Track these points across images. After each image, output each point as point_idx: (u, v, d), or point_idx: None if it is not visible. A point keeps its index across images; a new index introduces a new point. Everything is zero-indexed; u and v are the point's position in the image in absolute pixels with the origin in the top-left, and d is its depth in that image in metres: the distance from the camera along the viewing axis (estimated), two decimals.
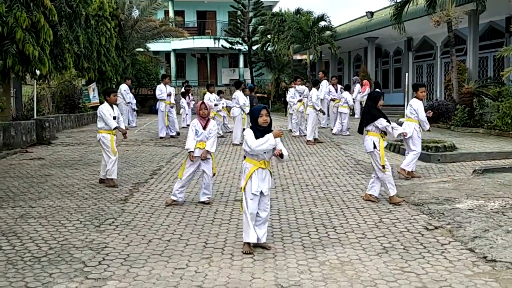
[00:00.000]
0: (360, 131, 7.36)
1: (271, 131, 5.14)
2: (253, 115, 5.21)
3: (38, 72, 12.93)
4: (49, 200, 7.27)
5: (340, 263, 4.74)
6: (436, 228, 5.81)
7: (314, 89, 13.65)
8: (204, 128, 7.03)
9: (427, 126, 8.92)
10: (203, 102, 7.17)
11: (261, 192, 5.20)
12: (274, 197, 7.46)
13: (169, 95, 15.29)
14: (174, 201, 6.97)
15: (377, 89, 21.30)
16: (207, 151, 6.97)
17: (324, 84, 16.17)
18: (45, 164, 10.42)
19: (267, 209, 5.27)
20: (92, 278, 4.39)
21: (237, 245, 5.27)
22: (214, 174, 7.21)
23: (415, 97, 8.96)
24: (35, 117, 14.43)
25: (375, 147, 7.00)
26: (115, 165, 8.31)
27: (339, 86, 17.09)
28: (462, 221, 6.00)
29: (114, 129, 8.35)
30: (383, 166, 6.92)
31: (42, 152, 12.17)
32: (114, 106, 8.53)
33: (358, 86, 20.02)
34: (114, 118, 8.36)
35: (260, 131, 5.15)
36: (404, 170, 8.65)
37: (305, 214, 6.49)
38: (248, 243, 5.06)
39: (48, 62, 12.80)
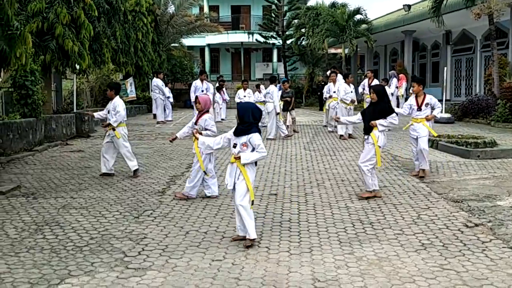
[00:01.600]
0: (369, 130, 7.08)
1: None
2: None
3: (78, 66, 13.27)
4: (89, 192, 7.47)
5: (378, 259, 4.70)
6: (477, 225, 5.68)
7: (342, 83, 13.57)
8: (196, 122, 7.03)
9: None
10: (197, 96, 7.23)
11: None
12: (310, 192, 7.45)
13: (202, 91, 15.39)
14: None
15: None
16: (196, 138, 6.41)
17: (340, 79, 16.39)
18: (84, 157, 10.69)
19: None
20: (132, 268, 4.50)
21: (273, 239, 5.29)
22: (204, 172, 6.99)
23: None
24: (74, 110, 14.82)
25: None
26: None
27: (375, 81, 16.74)
28: (504, 218, 5.85)
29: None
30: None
31: (82, 145, 12.50)
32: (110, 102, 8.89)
33: (395, 80, 19.68)
34: (109, 112, 8.80)
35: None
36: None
37: (341, 209, 6.45)
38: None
39: (88, 57, 13.10)
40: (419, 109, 8.27)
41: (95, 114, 9.29)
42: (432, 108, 8.32)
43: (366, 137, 7.02)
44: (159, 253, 4.89)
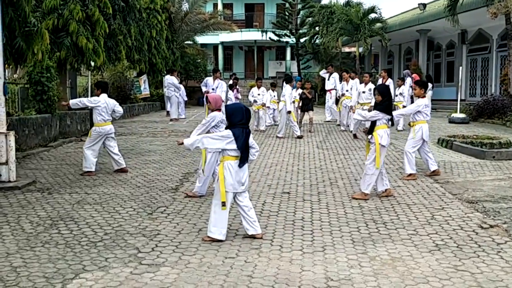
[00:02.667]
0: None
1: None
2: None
3: (92, 63, 13.36)
4: (103, 188, 7.53)
5: (391, 259, 4.68)
6: (492, 226, 5.62)
7: (356, 83, 13.49)
8: None
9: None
10: (207, 96, 7.09)
11: None
12: (323, 191, 7.43)
13: (213, 89, 15.39)
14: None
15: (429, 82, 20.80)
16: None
17: (336, 76, 16.97)
18: (99, 153, 10.75)
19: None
20: (145, 264, 4.53)
21: (285, 237, 5.29)
22: (202, 170, 6.94)
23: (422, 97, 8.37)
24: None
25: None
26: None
27: (389, 80, 16.54)
28: None
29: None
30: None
31: None
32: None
33: (409, 79, 19.51)
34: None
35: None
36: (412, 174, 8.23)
37: (354, 209, 6.43)
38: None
39: (103, 54, 13.19)
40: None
41: (71, 101, 8.92)
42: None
43: (369, 136, 7.01)
44: (173, 249, 4.92)
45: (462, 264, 4.55)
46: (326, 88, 17.83)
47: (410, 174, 8.13)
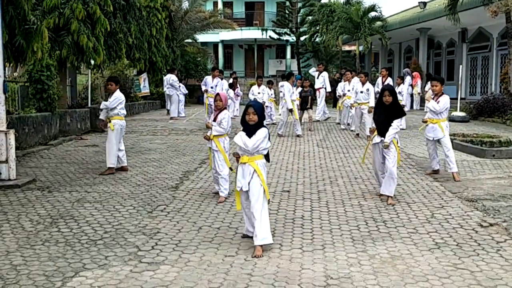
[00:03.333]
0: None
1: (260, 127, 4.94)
2: (243, 112, 5.02)
3: (92, 62, 13.36)
4: (103, 186, 7.54)
5: (391, 257, 4.69)
6: (491, 225, 5.63)
7: (357, 83, 13.38)
8: (214, 119, 6.83)
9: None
10: (218, 94, 6.87)
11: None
12: (323, 189, 7.43)
13: (212, 87, 15.38)
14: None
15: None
16: (208, 136, 6.84)
17: (325, 75, 17.26)
18: (99, 151, 10.78)
19: (249, 207, 4.99)
20: (145, 262, 4.54)
21: (285, 236, 5.30)
22: (230, 169, 6.86)
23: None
24: (89, 105, 14.94)
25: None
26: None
27: (389, 79, 16.42)
28: None
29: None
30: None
31: (96, 140, 12.61)
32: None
33: (409, 78, 19.51)
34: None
35: (248, 129, 4.97)
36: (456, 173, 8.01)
37: (354, 207, 6.43)
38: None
39: (103, 53, 13.18)
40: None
41: (102, 115, 8.82)
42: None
43: (380, 139, 6.75)
44: (172, 248, 4.93)
45: (461, 262, 4.56)
46: (316, 86, 17.75)
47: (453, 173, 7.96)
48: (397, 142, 6.82)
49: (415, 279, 4.17)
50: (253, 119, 4.90)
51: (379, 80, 15.96)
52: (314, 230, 5.49)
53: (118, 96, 8.52)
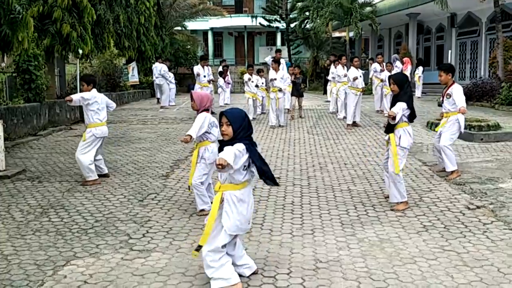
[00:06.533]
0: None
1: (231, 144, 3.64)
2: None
3: (80, 51, 13.25)
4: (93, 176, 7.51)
5: (379, 240, 4.75)
6: (478, 207, 5.71)
7: (352, 68, 13.12)
8: None
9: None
10: (191, 93, 5.62)
11: None
12: (313, 175, 7.48)
13: (204, 76, 15.28)
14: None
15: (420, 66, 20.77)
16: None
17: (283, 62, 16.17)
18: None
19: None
20: (136, 250, 4.57)
21: (275, 221, 5.34)
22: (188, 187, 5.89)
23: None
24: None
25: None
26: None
27: (382, 65, 16.18)
28: (506, 201, 5.88)
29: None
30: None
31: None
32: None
33: (398, 64, 19.51)
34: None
35: (222, 144, 3.75)
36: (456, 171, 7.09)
37: (344, 192, 6.49)
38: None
39: (90, 42, 13.07)
40: (442, 101, 7.27)
41: (74, 97, 7.13)
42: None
43: (386, 137, 5.93)
44: (163, 235, 4.96)
45: (448, 244, 4.63)
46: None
47: (453, 172, 7.05)
48: (398, 140, 5.78)
49: (402, 261, 4.24)
50: (226, 132, 3.69)
51: (376, 66, 15.72)
52: (303, 216, 5.54)
53: (85, 96, 7.08)
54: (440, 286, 3.75)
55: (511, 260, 4.22)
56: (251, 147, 3.69)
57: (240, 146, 3.59)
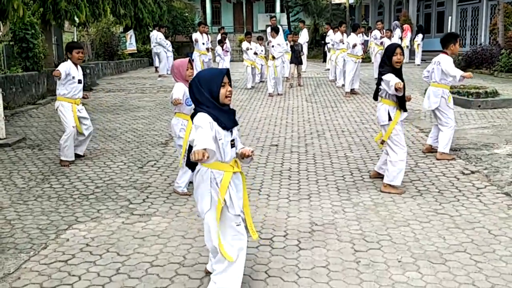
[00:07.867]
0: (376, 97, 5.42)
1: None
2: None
3: (77, 19, 13.12)
4: (93, 143, 7.59)
5: (374, 204, 4.85)
6: (473, 172, 5.80)
7: (352, 35, 12.93)
8: None
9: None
10: (189, 61, 5.31)
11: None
12: (310, 143, 7.55)
13: (203, 43, 15.16)
14: None
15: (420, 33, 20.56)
16: None
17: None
18: (87, 110, 10.72)
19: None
20: (137, 214, 4.67)
21: (273, 187, 5.44)
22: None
23: (445, 52, 6.54)
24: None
25: (390, 119, 5.24)
26: (70, 141, 6.39)
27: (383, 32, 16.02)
28: (500, 166, 5.97)
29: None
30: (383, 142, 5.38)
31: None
32: (79, 67, 6.72)
33: (398, 31, 19.35)
34: (80, 81, 6.64)
35: (223, 112, 3.09)
36: (446, 153, 6.39)
37: (340, 159, 6.57)
38: None
39: (85, 9, 12.92)
40: None
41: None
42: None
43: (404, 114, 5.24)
44: (163, 200, 5.06)
45: (442, 207, 4.74)
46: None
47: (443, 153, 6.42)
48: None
49: (396, 224, 4.35)
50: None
51: (376, 33, 15.58)
52: (300, 181, 5.64)
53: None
54: (432, 247, 3.87)
55: (502, 223, 4.33)
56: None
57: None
